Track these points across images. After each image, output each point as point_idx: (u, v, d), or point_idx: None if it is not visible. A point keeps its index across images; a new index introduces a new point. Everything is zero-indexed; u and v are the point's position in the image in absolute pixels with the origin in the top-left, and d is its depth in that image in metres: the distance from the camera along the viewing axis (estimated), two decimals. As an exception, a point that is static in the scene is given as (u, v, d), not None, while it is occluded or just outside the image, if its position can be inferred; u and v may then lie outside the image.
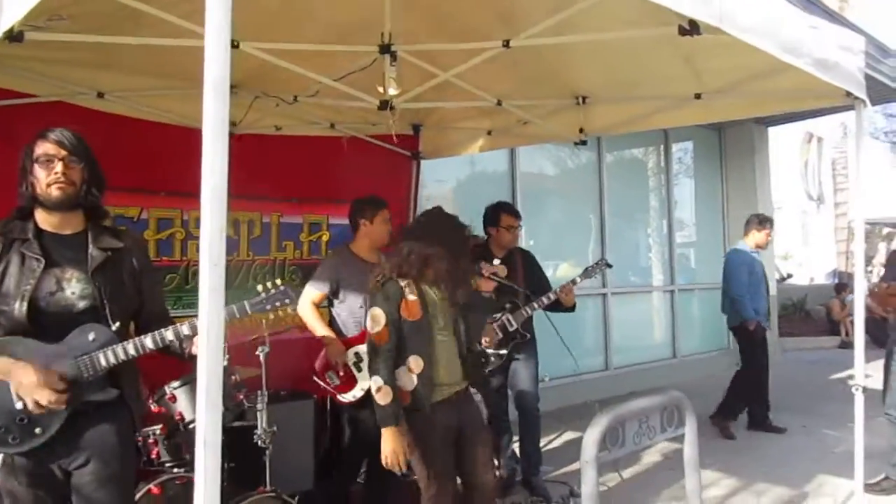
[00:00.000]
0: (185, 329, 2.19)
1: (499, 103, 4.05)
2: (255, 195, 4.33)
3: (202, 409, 1.41)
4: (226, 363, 2.87)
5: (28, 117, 3.18)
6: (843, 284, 13.23)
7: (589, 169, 8.00)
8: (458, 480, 2.99)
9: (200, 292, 1.41)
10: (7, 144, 2.76)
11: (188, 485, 2.78)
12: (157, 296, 2.53)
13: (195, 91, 1.48)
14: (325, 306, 3.86)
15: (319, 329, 3.74)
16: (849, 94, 2.99)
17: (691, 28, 2.41)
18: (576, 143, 4.54)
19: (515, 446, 4.54)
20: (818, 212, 20.83)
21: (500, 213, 4.41)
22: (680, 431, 2.74)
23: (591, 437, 2.34)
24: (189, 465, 2.95)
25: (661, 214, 9.12)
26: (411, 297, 2.84)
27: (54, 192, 2.13)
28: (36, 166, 2.14)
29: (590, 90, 4.07)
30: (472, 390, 3.02)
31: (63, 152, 2.14)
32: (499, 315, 4.14)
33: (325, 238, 4.82)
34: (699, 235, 9.88)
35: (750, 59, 2.82)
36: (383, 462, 2.77)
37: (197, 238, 1.46)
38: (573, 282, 4.30)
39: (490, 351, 4.05)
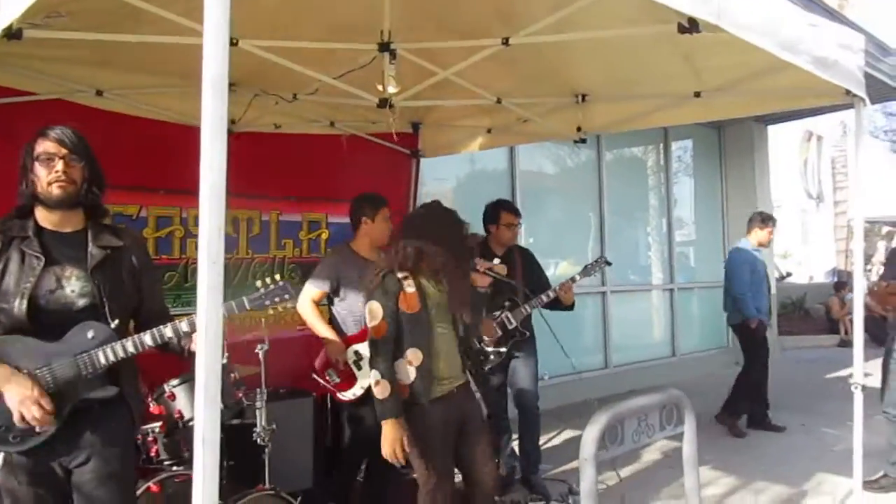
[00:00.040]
0: (184, 326, 2.18)
1: (498, 101, 4.05)
2: (255, 193, 4.33)
3: (201, 406, 1.41)
4: (225, 361, 2.88)
5: (27, 115, 3.18)
6: (842, 283, 13.23)
7: (588, 167, 8.00)
8: (460, 476, 3.00)
9: (199, 290, 1.41)
10: (6, 142, 2.76)
11: (187, 483, 2.77)
12: (157, 294, 2.53)
13: (194, 89, 1.48)
14: (324, 304, 3.86)
15: (319, 327, 3.74)
16: (848, 92, 2.98)
17: (690, 26, 2.41)
18: (575, 142, 4.55)
19: (515, 444, 4.54)
20: (817, 210, 20.83)
21: (500, 211, 4.41)
22: (679, 430, 2.74)
23: (590, 434, 2.34)
24: (188, 463, 2.95)
25: (661, 213, 9.12)
26: (409, 290, 2.83)
27: (55, 190, 2.13)
28: (37, 164, 2.14)
29: (589, 88, 4.07)
30: (473, 388, 3.01)
31: (64, 151, 2.14)
32: (498, 313, 4.14)
33: (324, 236, 4.82)
34: (698, 234, 9.88)
35: (749, 58, 2.82)
36: (383, 455, 2.77)
37: (196, 236, 1.46)
38: (572, 280, 4.30)
39: (489, 349, 4.05)
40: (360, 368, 3.65)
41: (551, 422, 5.60)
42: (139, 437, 2.93)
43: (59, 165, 2.12)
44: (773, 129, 10.54)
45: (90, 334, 2.12)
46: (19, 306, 2.07)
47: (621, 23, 2.91)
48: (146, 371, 2.51)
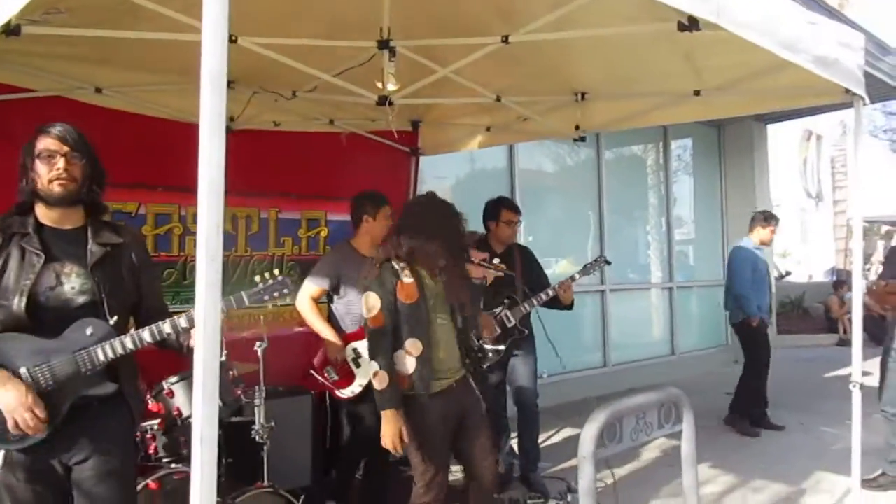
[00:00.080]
0: (182, 322, 2.18)
1: (498, 99, 4.04)
2: (254, 191, 4.33)
3: (199, 403, 1.41)
4: (223, 359, 2.88)
5: (26, 112, 3.18)
6: (840, 281, 13.24)
7: (588, 166, 8.00)
8: (462, 472, 3.00)
9: (197, 286, 1.41)
10: (5, 140, 2.76)
11: (186, 480, 2.78)
12: (157, 291, 2.53)
13: (193, 86, 1.48)
14: (323, 302, 3.86)
15: (317, 324, 3.74)
16: (848, 91, 2.98)
17: (690, 24, 2.40)
18: (575, 140, 4.55)
19: (514, 442, 4.55)
20: (817, 209, 20.85)
21: (500, 208, 4.41)
22: (677, 428, 2.74)
23: (589, 432, 2.34)
24: (187, 461, 2.95)
25: (660, 211, 9.12)
26: (407, 280, 2.83)
27: (56, 188, 2.12)
28: (37, 162, 2.13)
29: (589, 86, 4.06)
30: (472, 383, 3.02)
31: (65, 148, 2.13)
32: (499, 310, 4.14)
33: (323, 234, 4.82)
34: (698, 233, 9.89)
35: (749, 56, 2.82)
36: (382, 445, 2.76)
37: (195, 233, 1.46)
38: (572, 278, 4.30)
39: (488, 346, 4.05)
40: (358, 366, 3.65)
41: (550, 420, 5.62)
42: (138, 434, 2.92)
43: (61, 163, 2.12)
44: (772, 128, 10.54)
45: (89, 331, 2.12)
46: (18, 304, 2.06)
47: (621, 21, 2.91)
48: (145, 368, 2.50)
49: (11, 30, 2.36)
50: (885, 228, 17.89)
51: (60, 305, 2.12)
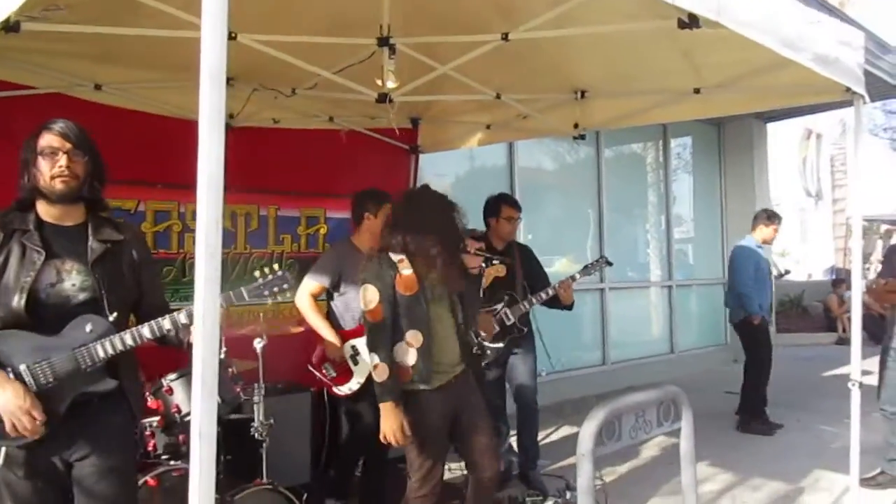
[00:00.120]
0: (182, 317, 2.18)
1: (498, 97, 4.04)
2: (253, 188, 4.33)
3: (197, 399, 1.40)
4: (223, 356, 2.88)
5: (25, 109, 3.18)
6: (839, 279, 13.25)
7: (587, 164, 7.99)
8: (461, 469, 3.00)
9: (196, 282, 1.41)
10: (4, 137, 2.76)
11: (184, 477, 2.77)
12: (157, 288, 2.52)
13: (193, 83, 1.47)
14: (322, 299, 3.86)
15: (316, 322, 3.73)
16: (848, 89, 2.98)
17: (690, 21, 2.40)
18: (575, 138, 4.54)
19: (513, 440, 4.55)
20: (816, 208, 20.85)
21: (501, 205, 4.40)
22: (676, 426, 2.74)
23: (588, 430, 2.34)
24: (185, 458, 2.95)
25: (660, 210, 9.12)
26: (406, 272, 2.82)
27: (58, 185, 2.12)
28: (39, 158, 2.12)
29: (589, 84, 4.06)
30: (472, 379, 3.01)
31: (68, 145, 2.13)
32: (499, 306, 4.14)
33: (322, 231, 4.81)
34: (697, 231, 9.88)
35: (749, 54, 2.82)
36: (381, 438, 2.76)
37: (194, 231, 1.46)
38: (572, 278, 4.29)
39: (487, 343, 4.05)
40: (356, 363, 3.65)
41: (549, 418, 5.62)
42: (136, 431, 2.92)
43: (63, 160, 2.11)
44: (772, 127, 10.53)
45: (88, 328, 2.12)
46: (18, 301, 2.06)
47: (621, 18, 2.90)
48: (144, 365, 2.50)
49: (11, 26, 2.35)
50: (884, 227, 17.88)
51: (61, 302, 2.11)
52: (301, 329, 3.80)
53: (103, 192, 2.26)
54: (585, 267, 4.44)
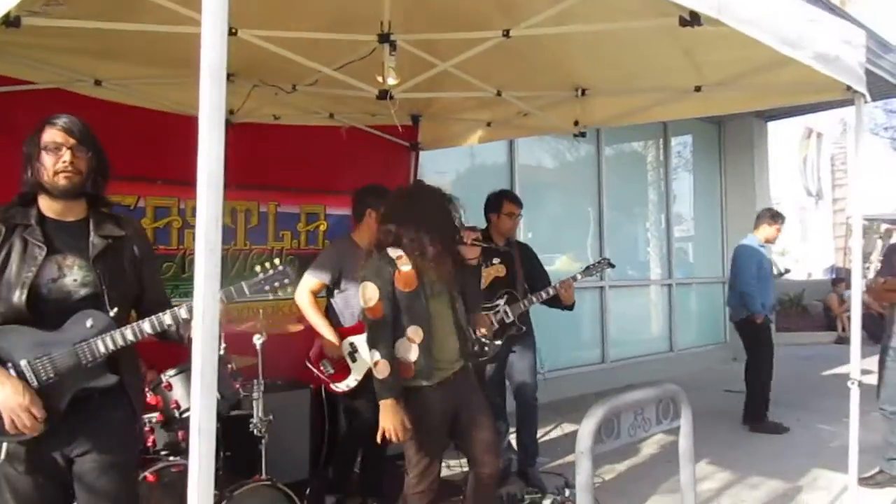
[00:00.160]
0: (182, 312, 2.17)
1: (498, 94, 4.04)
2: (253, 184, 4.33)
3: (197, 395, 1.41)
4: (222, 353, 2.88)
5: (25, 104, 3.18)
6: (839, 278, 13.25)
7: (588, 162, 7.99)
8: (461, 466, 3.00)
9: (196, 278, 1.41)
10: (4, 132, 2.76)
11: (184, 473, 2.78)
12: (158, 283, 2.51)
13: (193, 79, 1.47)
14: (322, 296, 3.85)
15: (315, 319, 3.73)
16: (849, 88, 2.98)
17: (691, 19, 2.40)
18: (575, 136, 4.54)
19: (512, 437, 4.55)
20: (816, 208, 20.86)
21: (503, 200, 4.39)
22: (675, 424, 2.74)
23: (587, 427, 2.34)
24: (185, 454, 2.95)
25: (660, 208, 9.12)
26: (405, 268, 2.81)
27: (61, 180, 2.11)
28: (43, 153, 2.12)
29: (590, 81, 4.06)
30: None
31: (72, 141, 2.12)
32: (501, 302, 4.14)
33: (322, 228, 4.81)
34: (697, 230, 9.89)
35: (750, 52, 2.81)
36: (381, 435, 2.75)
37: (194, 227, 1.46)
38: (574, 278, 4.28)
39: (485, 341, 4.05)
40: (354, 361, 3.65)
41: (549, 416, 5.62)
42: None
43: (67, 156, 2.11)
44: (772, 126, 10.52)
45: (89, 323, 2.12)
46: (19, 297, 2.06)
47: (622, 15, 2.90)
48: (143, 361, 2.50)
49: (11, 21, 2.36)
50: (884, 227, 17.87)
51: (62, 297, 2.11)
52: (300, 328, 3.79)
53: (106, 189, 2.26)
54: (587, 267, 4.43)
